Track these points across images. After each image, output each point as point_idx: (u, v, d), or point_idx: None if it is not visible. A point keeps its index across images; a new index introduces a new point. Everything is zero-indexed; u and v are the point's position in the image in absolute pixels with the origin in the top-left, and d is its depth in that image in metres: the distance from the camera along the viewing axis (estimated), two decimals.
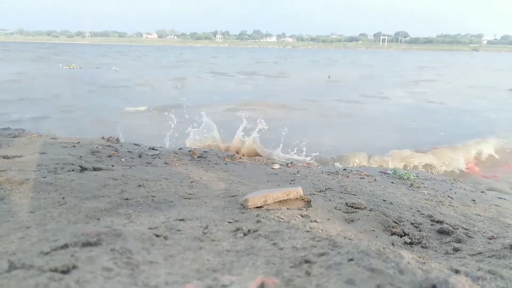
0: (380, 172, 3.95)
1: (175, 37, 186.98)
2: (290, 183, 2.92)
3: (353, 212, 1.96)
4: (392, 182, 3.36)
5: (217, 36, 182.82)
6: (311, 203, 1.95)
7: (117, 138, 4.67)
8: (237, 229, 1.45)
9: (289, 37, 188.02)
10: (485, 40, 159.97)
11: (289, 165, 3.98)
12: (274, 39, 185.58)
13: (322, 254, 1.16)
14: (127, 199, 1.94)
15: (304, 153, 4.80)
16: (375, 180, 3.40)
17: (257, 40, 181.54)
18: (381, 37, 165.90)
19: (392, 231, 1.80)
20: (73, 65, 19.92)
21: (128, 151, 3.73)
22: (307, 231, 1.43)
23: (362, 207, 2.03)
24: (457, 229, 1.91)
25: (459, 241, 1.74)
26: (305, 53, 72.03)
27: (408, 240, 1.71)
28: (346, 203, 2.07)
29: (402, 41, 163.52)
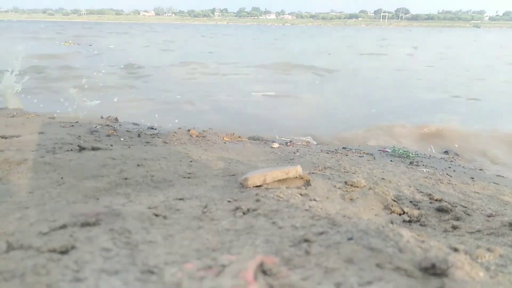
0: (379, 150, 3.95)
1: (173, 14, 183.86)
2: (289, 162, 2.91)
3: (352, 190, 1.96)
4: (391, 160, 3.36)
5: (215, 13, 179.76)
6: (310, 182, 1.94)
7: (116, 118, 4.64)
8: (236, 208, 1.45)
9: (288, 14, 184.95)
10: (486, 16, 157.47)
11: (288, 144, 3.97)
12: (273, 16, 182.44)
13: (321, 233, 1.16)
14: (126, 178, 1.93)
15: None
16: (374, 158, 3.40)
17: (256, 17, 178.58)
18: (382, 14, 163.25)
19: (391, 209, 1.80)
20: (70, 41, 19.93)
21: (127, 131, 3.72)
22: (306, 210, 1.43)
23: (361, 185, 2.03)
24: (456, 207, 1.91)
25: (457, 219, 1.74)
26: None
27: (407, 218, 1.72)
28: (345, 182, 2.06)
29: (403, 18, 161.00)
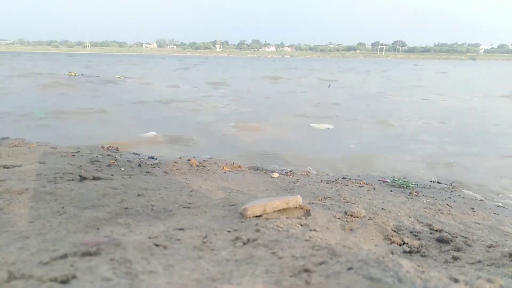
0: (379, 180, 3.96)
1: (175, 46, 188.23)
2: (289, 192, 2.92)
3: (352, 221, 1.96)
4: (391, 191, 3.37)
5: (216, 45, 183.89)
6: (310, 212, 1.95)
7: (117, 148, 4.68)
8: (237, 238, 1.46)
9: (288, 46, 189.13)
10: (481, 49, 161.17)
11: (288, 173, 3.99)
12: (272, 48, 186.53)
13: (321, 263, 1.17)
14: (126, 208, 1.94)
15: None
16: (374, 188, 3.41)
17: (256, 49, 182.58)
18: (379, 46, 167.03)
19: (391, 239, 1.80)
20: (74, 72, 20.27)
21: (127, 160, 3.74)
22: (306, 240, 1.43)
23: (361, 215, 2.03)
24: (456, 237, 1.91)
25: (458, 249, 1.74)
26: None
27: (407, 249, 1.71)
28: (345, 212, 2.07)
29: (399, 50, 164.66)
